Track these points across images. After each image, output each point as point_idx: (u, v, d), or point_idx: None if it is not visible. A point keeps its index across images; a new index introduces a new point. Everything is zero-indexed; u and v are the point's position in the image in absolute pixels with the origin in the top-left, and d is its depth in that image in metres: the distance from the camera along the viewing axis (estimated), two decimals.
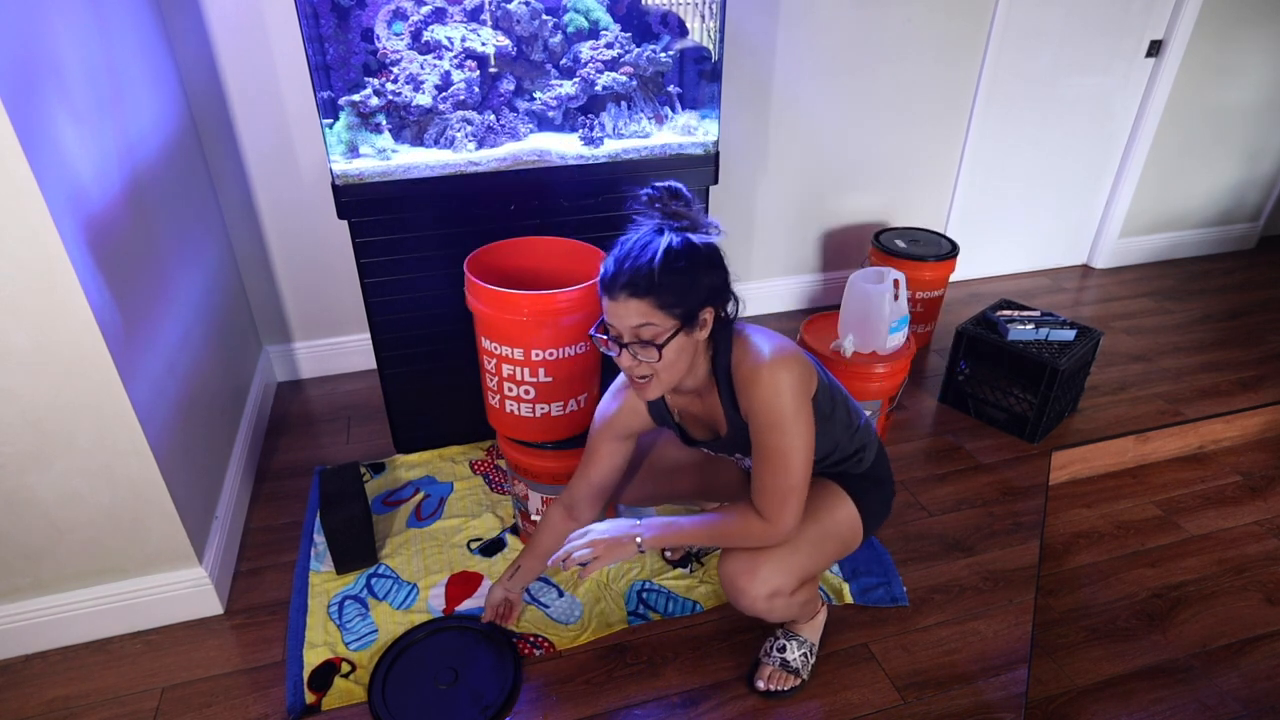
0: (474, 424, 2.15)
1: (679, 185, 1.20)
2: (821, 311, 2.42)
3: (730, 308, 1.24)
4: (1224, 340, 2.80)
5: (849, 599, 1.70)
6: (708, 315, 1.19)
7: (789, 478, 1.21)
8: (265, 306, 2.40)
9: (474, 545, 1.85)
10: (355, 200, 1.76)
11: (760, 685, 1.50)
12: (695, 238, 1.15)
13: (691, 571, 1.76)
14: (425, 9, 1.78)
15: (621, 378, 1.46)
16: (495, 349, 1.59)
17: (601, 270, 1.17)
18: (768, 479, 1.22)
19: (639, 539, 1.28)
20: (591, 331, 1.22)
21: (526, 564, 1.57)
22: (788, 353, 1.22)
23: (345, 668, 1.53)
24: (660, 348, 1.15)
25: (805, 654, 1.51)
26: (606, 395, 1.45)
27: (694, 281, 1.14)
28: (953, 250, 2.62)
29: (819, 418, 1.31)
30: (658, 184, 1.19)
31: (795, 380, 1.20)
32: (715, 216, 1.23)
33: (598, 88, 1.87)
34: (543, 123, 1.92)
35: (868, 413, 2.02)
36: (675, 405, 1.40)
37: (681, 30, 1.96)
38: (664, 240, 1.13)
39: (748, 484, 1.61)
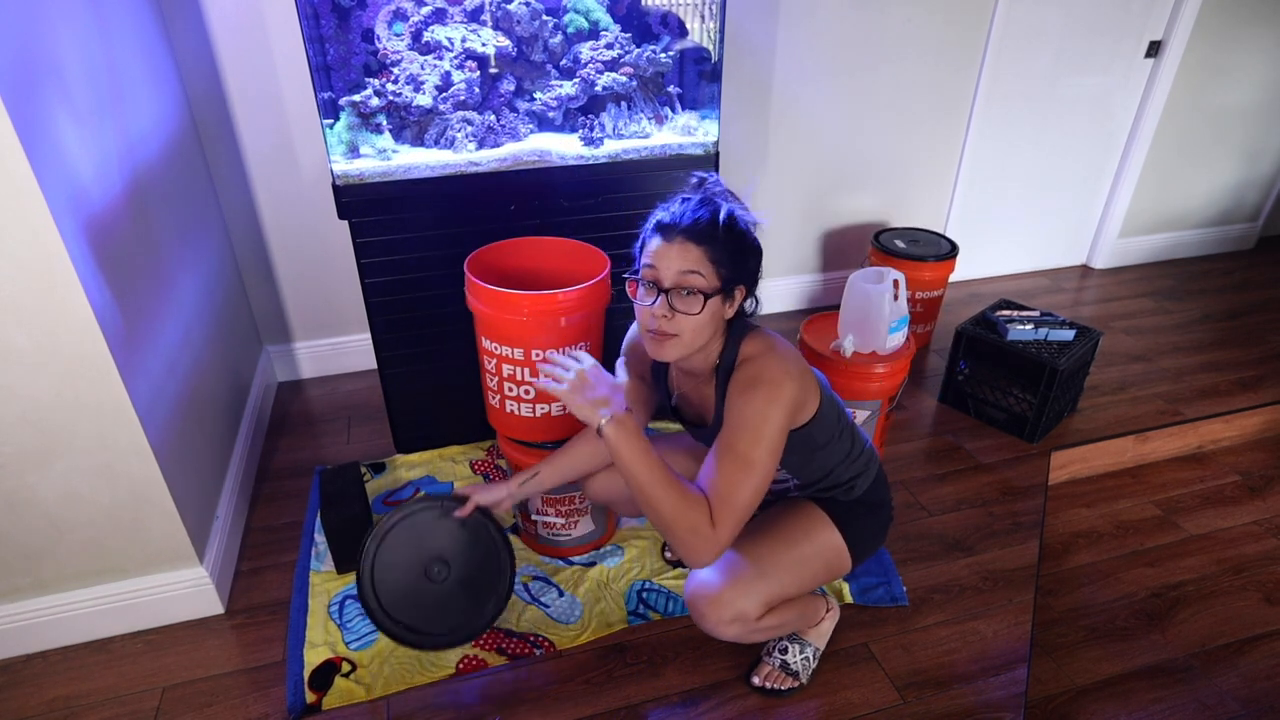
0: (474, 424, 2.15)
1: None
2: (821, 311, 2.42)
3: (752, 301, 1.26)
4: (1223, 340, 2.81)
5: (849, 599, 1.70)
6: (739, 294, 1.21)
7: (739, 487, 1.14)
8: (266, 306, 2.40)
9: None
10: (356, 200, 1.77)
11: (756, 681, 1.50)
12: (747, 217, 1.20)
13: None
14: (425, 10, 1.78)
15: (636, 345, 1.44)
16: (495, 349, 1.59)
17: (655, 218, 1.19)
18: (719, 479, 1.15)
19: (603, 423, 1.13)
20: (626, 275, 1.21)
21: (546, 472, 1.47)
22: (792, 373, 1.19)
23: (346, 667, 1.53)
24: (707, 297, 1.15)
25: (808, 658, 1.51)
26: (618, 365, 1.45)
27: (745, 252, 1.18)
28: (952, 250, 2.62)
29: (814, 445, 1.30)
30: (703, 174, 1.24)
31: (789, 404, 1.17)
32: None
33: (598, 88, 1.88)
34: (543, 123, 1.92)
35: (865, 414, 2.02)
36: (676, 382, 1.39)
37: (681, 30, 1.96)
38: (728, 205, 1.17)
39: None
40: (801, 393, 1.21)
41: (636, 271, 1.20)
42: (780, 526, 1.37)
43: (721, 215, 1.15)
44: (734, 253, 1.16)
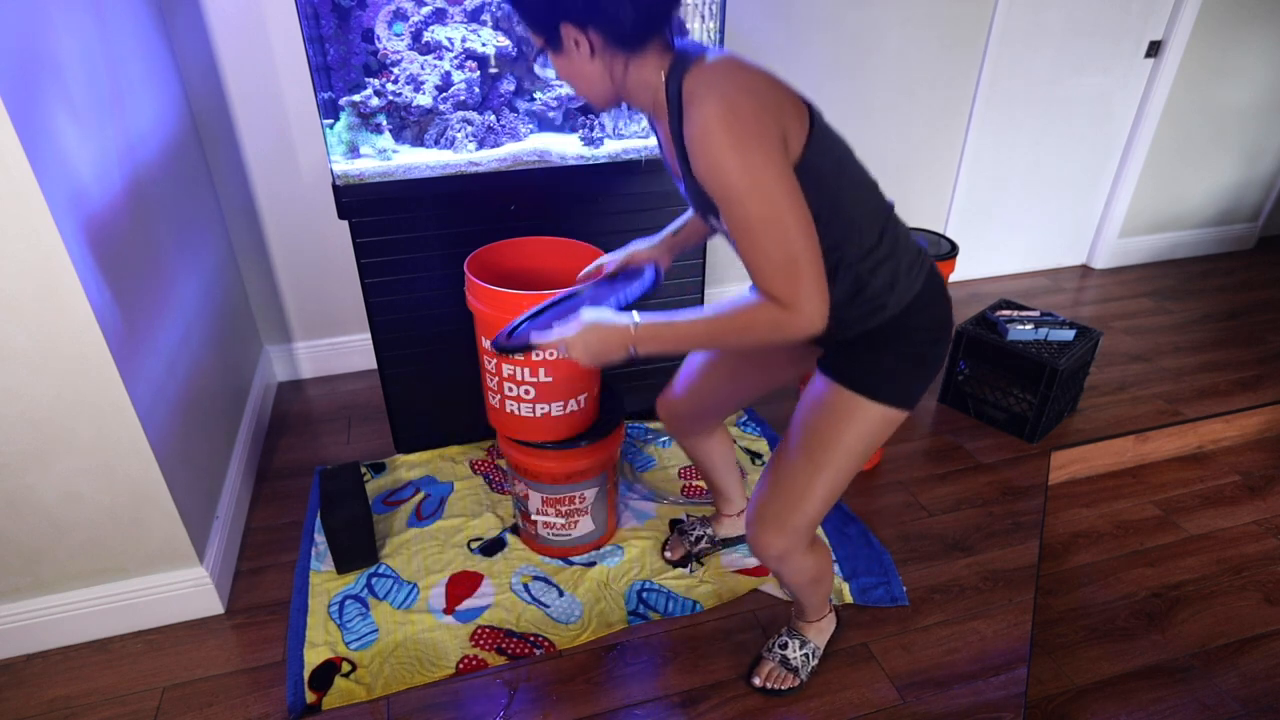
0: (474, 424, 2.15)
1: None
2: None
3: (623, 21, 0.98)
4: (1223, 340, 2.81)
5: (849, 599, 1.70)
6: (579, 36, 0.99)
7: (786, 245, 0.93)
8: (266, 306, 2.40)
9: (474, 545, 1.85)
10: (356, 200, 1.77)
11: (756, 682, 1.50)
12: None
13: (691, 572, 1.77)
14: (426, 9, 1.78)
15: None
16: None
17: None
18: (757, 257, 0.95)
19: (632, 342, 1.05)
20: None
21: (670, 240, 1.42)
22: (741, 85, 0.95)
23: (346, 667, 1.54)
24: (540, 55, 1.05)
25: (807, 655, 1.51)
26: None
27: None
28: (952, 250, 2.62)
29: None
30: None
31: (757, 132, 0.93)
32: None
33: None
34: (543, 123, 1.92)
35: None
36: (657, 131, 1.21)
37: (681, 30, 1.96)
38: None
39: (796, 362, 1.41)
40: (766, 110, 0.95)
41: None
42: (808, 436, 1.20)
43: None
44: (525, 7, 1.01)
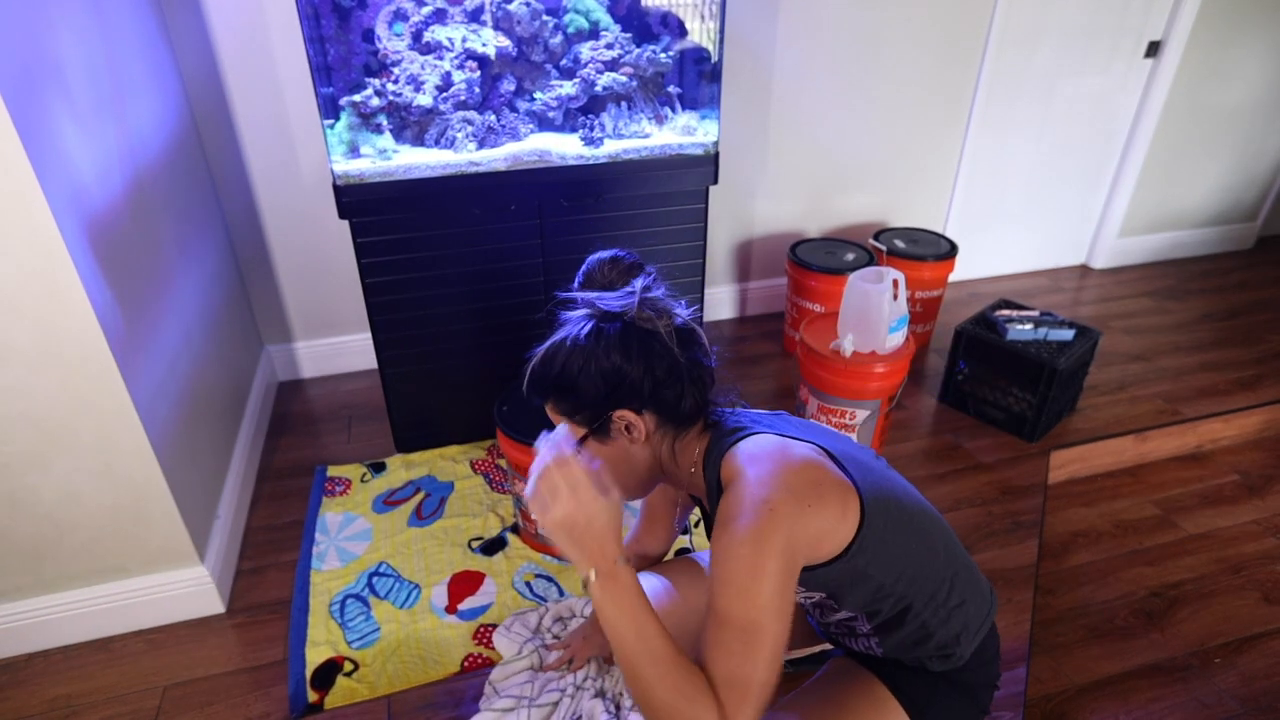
0: (474, 423, 2.16)
1: (621, 254, 1.00)
2: (822, 311, 2.43)
3: (682, 403, 0.97)
4: (1222, 340, 2.81)
5: None
6: (630, 418, 0.95)
7: (755, 669, 0.85)
8: (266, 306, 2.40)
9: (475, 544, 1.85)
10: (356, 200, 1.77)
11: None
12: (608, 328, 0.93)
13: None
14: (426, 10, 1.79)
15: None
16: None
17: None
18: (725, 664, 0.86)
19: (592, 578, 0.88)
20: None
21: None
22: (774, 500, 0.87)
23: (348, 666, 1.54)
24: (579, 446, 0.94)
25: None
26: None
27: (581, 384, 0.93)
28: (952, 250, 2.63)
29: (874, 583, 0.97)
30: (596, 257, 1.02)
31: (783, 542, 0.86)
32: (685, 301, 0.99)
33: (598, 88, 1.88)
34: (543, 123, 1.92)
35: (864, 413, 2.02)
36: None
37: (681, 31, 1.96)
38: (547, 343, 0.98)
39: None
40: (802, 520, 0.88)
41: None
42: (811, 701, 1.07)
43: (532, 365, 0.97)
44: (567, 394, 0.95)
